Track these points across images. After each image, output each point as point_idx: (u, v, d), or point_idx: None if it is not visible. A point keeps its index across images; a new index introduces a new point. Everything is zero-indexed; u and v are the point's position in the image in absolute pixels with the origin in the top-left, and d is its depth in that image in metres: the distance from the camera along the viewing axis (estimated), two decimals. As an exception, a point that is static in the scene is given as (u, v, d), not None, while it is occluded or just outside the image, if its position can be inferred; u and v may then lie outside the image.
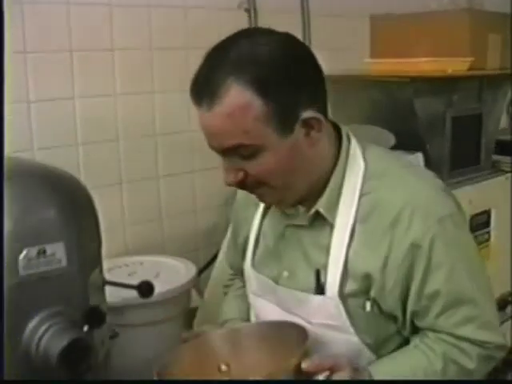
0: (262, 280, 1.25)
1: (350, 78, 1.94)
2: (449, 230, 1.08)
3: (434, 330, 1.13)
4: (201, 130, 1.07)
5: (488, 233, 1.85)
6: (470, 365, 1.12)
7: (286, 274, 1.21)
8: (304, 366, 1.01)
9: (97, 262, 1.19)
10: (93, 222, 1.18)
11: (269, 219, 1.26)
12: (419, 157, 1.73)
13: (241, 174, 1.07)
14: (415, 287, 1.09)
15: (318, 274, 1.13)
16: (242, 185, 1.09)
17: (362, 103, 1.83)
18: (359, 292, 1.11)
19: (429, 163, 1.75)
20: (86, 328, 1.08)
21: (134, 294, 1.29)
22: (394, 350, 1.16)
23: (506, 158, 2.04)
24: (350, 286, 1.11)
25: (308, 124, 1.05)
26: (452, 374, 1.12)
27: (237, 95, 0.99)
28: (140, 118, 2.02)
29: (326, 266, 1.12)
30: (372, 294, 1.11)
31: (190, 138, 2.08)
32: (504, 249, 1.80)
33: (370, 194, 1.10)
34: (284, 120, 1.03)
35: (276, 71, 1.01)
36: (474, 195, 1.83)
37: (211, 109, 1.01)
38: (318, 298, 1.13)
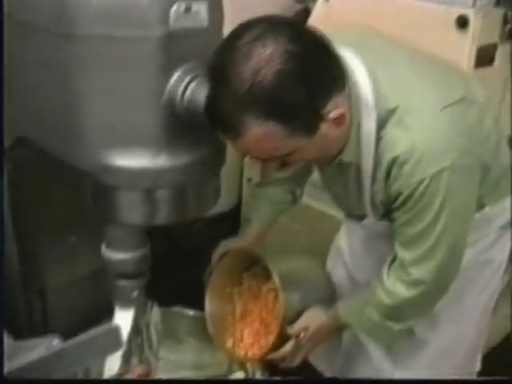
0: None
1: None
2: (431, 190, 1.12)
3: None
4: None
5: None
6: (386, 300, 1.26)
7: (333, 198, 1.39)
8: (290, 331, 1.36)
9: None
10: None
11: None
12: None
13: (279, 163, 1.14)
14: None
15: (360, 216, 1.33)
16: (282, 168, 1.17)
17: None
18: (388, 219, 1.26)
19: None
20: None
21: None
22: None
23: None
24: (380, 216, 1.27)
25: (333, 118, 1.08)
26: (373, 306, 1.30)
27: (258, 129, 1.02)
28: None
29: (360, 199, 1.26)
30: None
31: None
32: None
33: (382, 140, 1.15)
34: (308, 127, 1.06)
35: (288, 92, 0.99)
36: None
37: (237, 141, 1.06)
38: (365, 220, 1.31)
